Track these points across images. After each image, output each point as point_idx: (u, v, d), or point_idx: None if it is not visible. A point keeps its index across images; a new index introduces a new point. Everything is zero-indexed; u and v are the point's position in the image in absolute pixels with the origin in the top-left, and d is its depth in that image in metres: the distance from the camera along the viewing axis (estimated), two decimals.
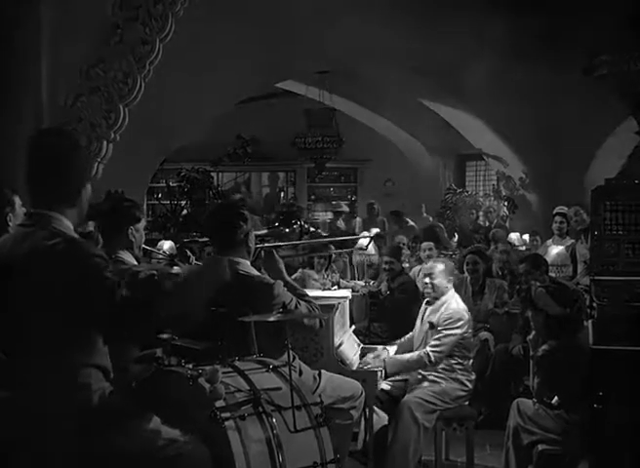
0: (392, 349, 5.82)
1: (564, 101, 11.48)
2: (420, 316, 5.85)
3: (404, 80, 12.15)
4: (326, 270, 8.48)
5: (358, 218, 13.70)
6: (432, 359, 5.47)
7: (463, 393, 5.58)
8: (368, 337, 7.73)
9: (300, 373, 4.01)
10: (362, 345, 6.08)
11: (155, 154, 10.22)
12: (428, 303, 5.81)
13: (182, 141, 10.78)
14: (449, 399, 5.52)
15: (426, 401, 5.44)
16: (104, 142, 5.69)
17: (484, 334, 6.93)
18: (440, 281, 5.65)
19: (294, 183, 17.01)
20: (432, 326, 5.60)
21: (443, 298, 5.66)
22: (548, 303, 4.76)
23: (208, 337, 3.64)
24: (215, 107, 10.54)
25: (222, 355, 3.34)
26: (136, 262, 4.00)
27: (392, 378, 5.72)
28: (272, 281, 3.89)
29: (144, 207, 12.08)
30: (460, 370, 5.57)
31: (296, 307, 3.93)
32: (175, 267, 3.74)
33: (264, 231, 4.23)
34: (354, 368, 5.43)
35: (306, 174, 16.70)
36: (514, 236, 10.36)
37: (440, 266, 5.72)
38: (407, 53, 11.18)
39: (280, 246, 4.29)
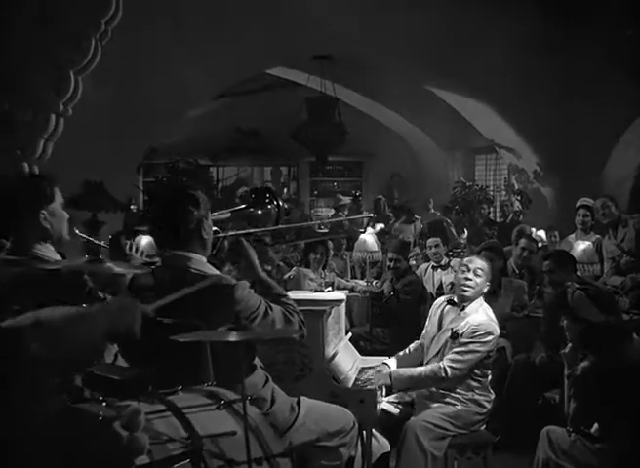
0: (392, 362, 4.80)
1: (581, 90, 10.54)
2: (434, 317, 4.81)
3: (411, 67, 11.22)
4: (323, 268, 7.50)
5: (365, 212, 12.68)
6: (449, 375, 4.45)
7: (480, 417, 4.58)
8: (369, 343, 6.76)
9: (272, 404, 3.02)
10: (361, 357, 5.07)
11: (141, 139, 9.41)
12: (451, 303, 4.75)
13: (169, 126, 9.99)
14: (463, 423, 4.51)
15: (436, 425, 4.43)
16: (52, 116, 4.67)
17: (501, 342, 5.87)
18: (483, 281, 4.64)
19: (296, 178, 16.02)
20: (455, 335, 4.58)
21: (473, 305, 4.64)
22: (589, 310, 3.75)
23: (150, 359, 2.67)
24: (203, 91, 9.74)
25: (152, 386, 2.34)
26: (59, 257, 3.00)
27: (396, 396, 4.72)
28: (234, 281, 2.89)
29: (140, 202, 11.35)
30: (477, 388, 4.56)
31: (265, 315, 2.94)
32: (108, 264, 2.73)
33: (227, 214, 3.21)
34: (350, 384, 4.43)
35: (309, 168, 15.71)
36: (537, 232, 9.31)
37: (486, 265, 4.71)
38: (413, 37, 10.29)
39: (251, 233, 3.26)
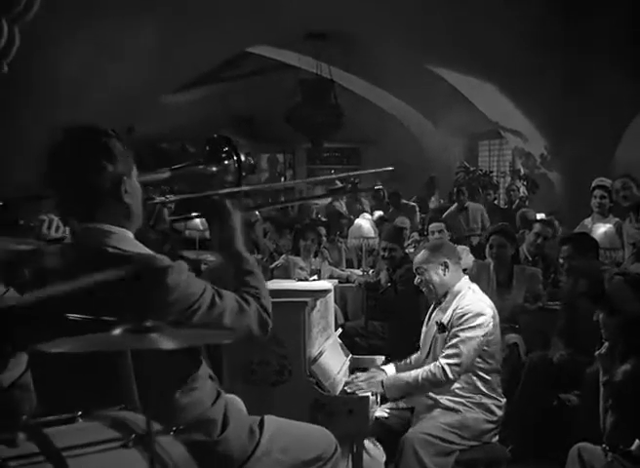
0: (390, 370, 4.02)
1: (592, 71, 9.75)
2: (426, 319, 4.06)
3: (411, 45, 10.43)
4: (315, 256, 6.72)
5: (364, 199, 11.88)
6: (449, 374, 3.67)
7: (491, 425, 3.79)
8: (365, 338, 5.98)
9: (224, 427, 2.23)
10: (352, 355, 4.29)
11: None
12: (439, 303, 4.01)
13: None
14: (471, 434, 3.73)
15: (438, 438, 3.66)
16: None
17: (512, 337, 5.12)
18: (434, 273, 3.86)
19: (292, 166, 15.24)
20: (442, 328, 3.82)
21: (454, 290, 3.86)
22: (631, 300, 2.96)
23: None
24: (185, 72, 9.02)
25: (30, 413, 1.56)
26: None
27: (391, 404, 3.94)
28: (168, 263, 2.09)
29: None
30: (485, 390, 3.79)
31: (211, 305, 2.15)
32: None
33: (166, 174, 2.39)
34: (337, 391, 3.65)
35: (306, 155, 14.93)
36: (539, 217, 8.52)
37: (425, 253, 3.91)
38: (413, 14, 9.48)
39: (208, 196, 2.44)
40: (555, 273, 5.47)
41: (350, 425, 3.51)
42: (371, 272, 6.76)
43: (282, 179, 15.92)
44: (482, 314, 3.74)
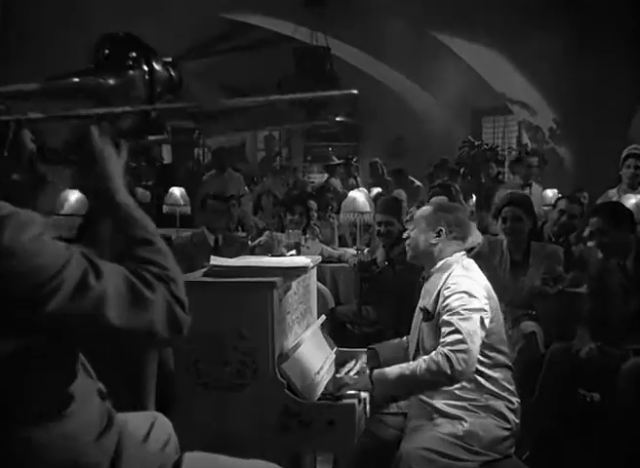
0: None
1: (604, 37, 8.87)
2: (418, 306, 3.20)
3: (412, 10, 9.55)
4: (304, 233, 5.87)
5: (359, 178, 11.01)
6: (456, 363, 2.75)
7: (505, 432, 2.94)
8: (357, 325, 5.15)
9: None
10: (337, 348, 3.46)
11: None
12: (423, 278, 3.21)
13: None
14: (480, 445, 2.87)
15: (439, 453, 2.82)
16: None
17: (529, 325, 4.26)
18: (423, 235, 3.07)
19: (288, 143, 14.37)
20: (427, 314, 2.99)
21: (442, 265, 3.02)
22: None
23: None
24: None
25: None
26: None
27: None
28: (4, 211, 1.24)
29: None
30: (493, 388, 2.93)
31: (81, 288, 1.30)
32: None
33: (33, 86, 1.51)
34: (316, 395, 2.81)
35: (302, 132, 14.05)
36: (550, 193, 7.68)
37: (427, 209, 3.17)
38: None
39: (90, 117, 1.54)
40: (582, 251, 4.60)
41: (331, 440, 2.68)
42: (366, 251, 5.91)
43: (277, 159, 15.08)
44: (471, 294, 2.87)
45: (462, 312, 2.83)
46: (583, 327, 4.10)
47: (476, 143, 10.29)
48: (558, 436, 4.04)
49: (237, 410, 2.71)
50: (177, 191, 7.38)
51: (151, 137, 1.77)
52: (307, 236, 5.94)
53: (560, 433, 4.04)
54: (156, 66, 1.63)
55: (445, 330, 2.84)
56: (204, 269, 2.86)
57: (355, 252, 6.03)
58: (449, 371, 2.75)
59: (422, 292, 3.11)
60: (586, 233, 4.94)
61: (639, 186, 5.45)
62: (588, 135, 9.38)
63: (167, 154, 12.76)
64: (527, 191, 7.27)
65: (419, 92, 12.65)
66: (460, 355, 2.77)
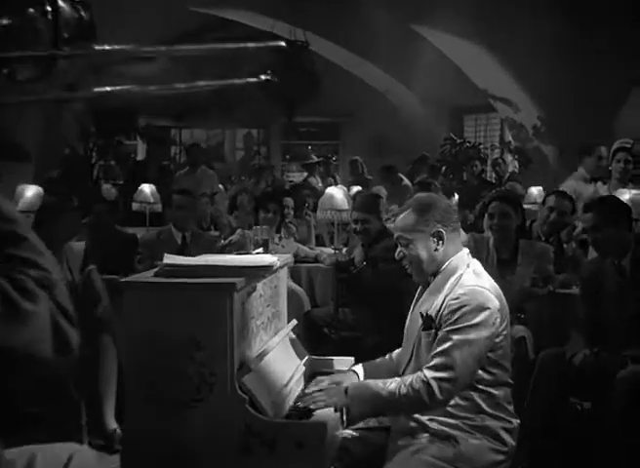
0: (361, 370, 2.81)
1: (591, 37, 8.58)
2: (412, 306, 2.79)
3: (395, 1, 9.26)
4: (278, 231, 5.52)
5: (339, 177, 10.67)
6: (437, 393, 2.44)
7: (500, 456, 2.58)
8: (335, 330, 4.81)
9: None
10: (310, 356, 3.10)
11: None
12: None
13: None
14: None
15: None
16: None
17: (519, 330, 3.92)
18: (422, 247, 2.61)
19: (266, 141, 13.99)
20: (429, 322, 2.57)
21: (447, 268, 2.60)
22: None
23: None
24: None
25: None
26: None
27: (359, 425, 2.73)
28: None
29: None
30: (489, 409, 2.57)
31: None
32: None
33: None
34: (283, 412, 2.46)
35: (281, 130, 13.68)
36: (535, 191, 7.38)
37: (410, 216, 2.63)
38: None
39: None
40: (574, 249, 4.28)
41: (299, 464, 2.33)
42: (344, 250, 5.56)
43: (257, 158, 14.71)
44: (485, 307, 2.48)
45: (465, 330, 2.45)
46: (577, 331, 3.77)
47: (458, 141, 9.98)
48: (552, 450, 3.72)
49: (193, 429, 2.35)
50: (146, 188, 7.00)
51: None
52: (282, 235, 5.59)
53: (554, 446, 3.72)
54: (62, 4, 1.27)
55: (436, 348, 2.49)
56: (155, 269, 2.50)
57: (333, 251, 5.69)
58: (427, 401, 2.44)
59: (424, 295, 2.69)
60: (577, 231, 4.64)
61: (629, 182, 5.15)
62: (573, 132, 9.10)
63: (142, 152, 12.38)
64: None
65: (400, 89, 12.33)
66: (443, 384, 2.44)
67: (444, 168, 9.67)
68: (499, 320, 2.52)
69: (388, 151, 12.65)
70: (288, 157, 13.97)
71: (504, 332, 2.57)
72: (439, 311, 2.53)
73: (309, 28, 10.77)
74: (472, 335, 2.46)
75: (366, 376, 2.74)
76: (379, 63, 11.92)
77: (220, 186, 8.45)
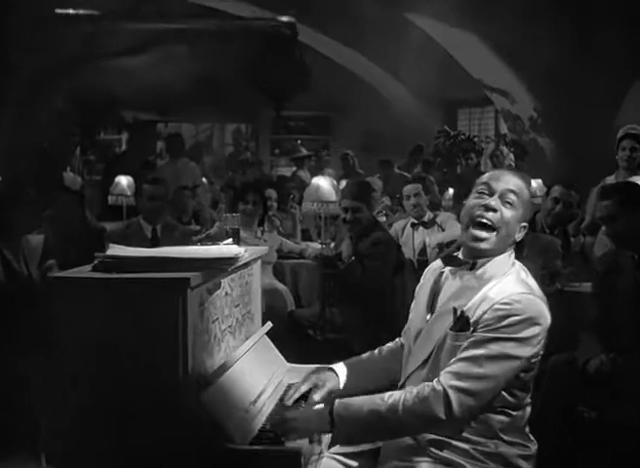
0: (342, 373, 2.32)
1: (590, 25, 8.16)
2: (423, 296, 2.25)
3: None
4: (260, 224, 5.08)
5: (329, 170, 10.22)
6: (456, 409, 1.96)
7: None
8: (320, 331, 4.37)
9: None
10: (289, 365, 2.66)
11: None
12: (453, 264, 2.19)
13: None
14: None
15: None
16: None
17: None
18: (516, 216, 2.12)
19: (255, 136, 13.54)
20: (464, 323, 2.05)
21: (497, 264, 2.13)
22: None
23: None
24: None
25: None
26: None
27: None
28: None
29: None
30: (504, 436, 2.08)
31: None
32: None
33: None
34: (250, 435, 2.01)
35: (270, 125, 13.24)
36: (534, 184, 6.94)
37: (523, 185, 2.15)
38: None
39: None
40: (584, 240, 3.85)
41: None
42: (331, 245, 5.12)
43: (248, 154, 14.27)
44: (537, 323, 2.01)
45: (507, 342, 1.99)
46: (589, 333, 3.33)
47: (452, 133, 9.56)
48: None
49: (139, 455, 1.90)
50: (123, 181, 6.52)
51: None
52: (265, 228, 5.14)
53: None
54: None
55: (463, 353, 2.00)
56: (96, 261, 2.05)
57: (320, 246, 5.24)
58: (442, 416, 1.95)
59: (449, 282, 2.18)
60: (586, 222, 4.23)
61: (638, 170, 4.71)
62: (571, 123, 8.70)
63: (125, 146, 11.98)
64: None
65: (392, 82, 11.93)
66: (464, 398, 1.96)
67: (438, 161, 9.25)
68: (544, 340, 2.06)
69: (381, 145, 12.25)
70: (277, 152, 13.52)
71: (542, 352, 2.10)
72: (479, 311, 2.02)
73: (298, 19, 10.43)
74: (513, 351, 1.98)
75: (349, 377, 2.28)
76: (370, 55, 11.50)
77: (204, 179, 8.00)
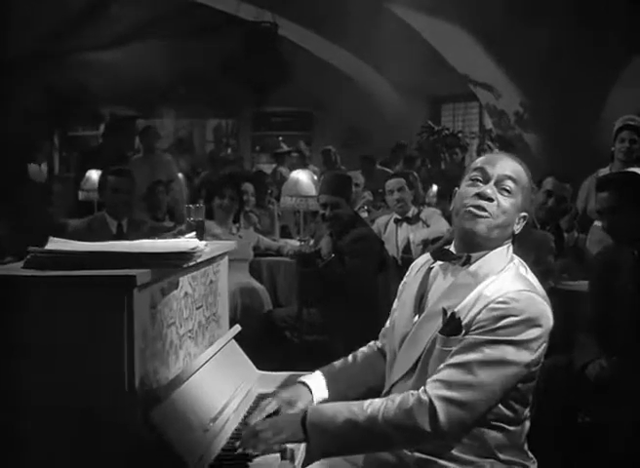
0: (317, 384, 2.04)
1: (576, 18, 7.97)
2: (409, 295, 1.96)
3: None
4: (236, 221, 4.80)
5: (313, 166, 9.96)
6: (442, 419, 1.68)
7: None
8: (298, 332, 4.11)
9: None
10: (259, 372, 2.38)
11: None
12: (444, 258, 1.91)
13: None
14: None
15: None
16: None
17: None
18: (515, 205, 1.85)
19: (236, 134, 13.27)
20: (455, 325, 1.77)
21: (492, 257, 1.85)
22: None
23: None
24: None
25: None
26: None
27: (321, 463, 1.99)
28: None
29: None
30: (500, 454, 1.81)
31: None
32: None
33: None
34: (210, 457, 1.73)
35: (251, 121, 12.99)
36: None
37: (522, 170, 1.87)
38: None
39: None
40: (578, 235, 3.60)
41: None
42: (311, 242, 4.85)
43: (229, 150, 13.99)
44: (537, 324, 1.74)
45: (504, 345, 1.72)
46: (586, 335, 3.08)
47: (436, 129, 9.30)
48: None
49: None
50: (94, 175, 6.20)
51: None
52: (241, 224, 4.85)
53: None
54: None
55: (454, 357, 1.74)
56: (28, 257, 1.75)
57: (299, 243, 4.97)
58: (427, 428, 1.68)
59: (438, 282, 1.91)
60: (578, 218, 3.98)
61: (634, 163, 4.47)
62: (558, 117, 8.50)
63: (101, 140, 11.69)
64: None
65: (374, 76, 11.68)
66: (453, 410, 1.70)
67: (420, 158, 9.00)
68: (545, 345, 1.79)
69: (363, 141, 12.00)
70: (258, 148, 13.25)
71: (542, 360, 1.82)
72: (473, 311, 1.76)
73: (276, 11, 10.15)
74: (510, 355, 1.72)
75: (331, 386, 2.01)
76: (352, 49, 11.25)
77: (180, 175, 7.69)
